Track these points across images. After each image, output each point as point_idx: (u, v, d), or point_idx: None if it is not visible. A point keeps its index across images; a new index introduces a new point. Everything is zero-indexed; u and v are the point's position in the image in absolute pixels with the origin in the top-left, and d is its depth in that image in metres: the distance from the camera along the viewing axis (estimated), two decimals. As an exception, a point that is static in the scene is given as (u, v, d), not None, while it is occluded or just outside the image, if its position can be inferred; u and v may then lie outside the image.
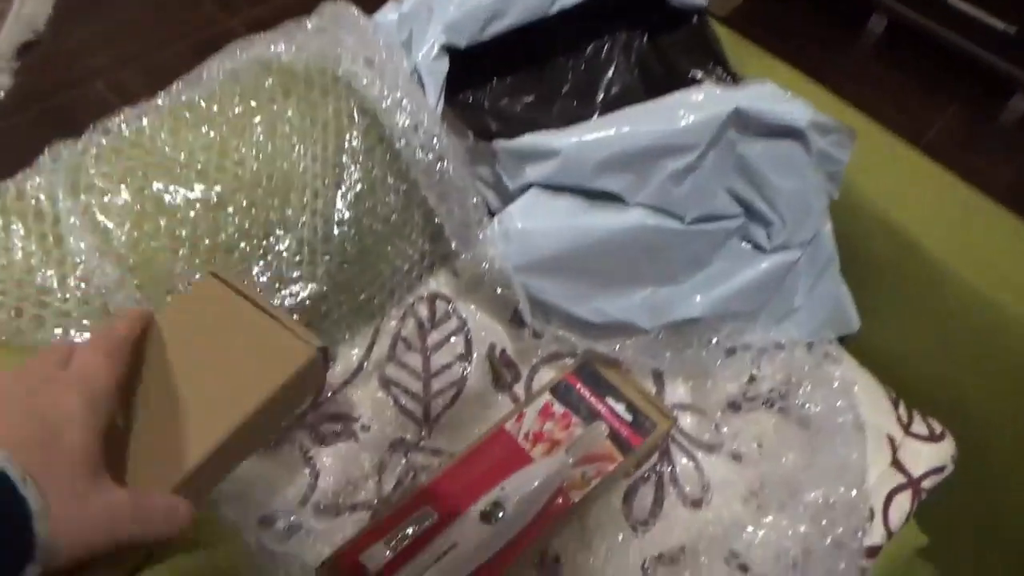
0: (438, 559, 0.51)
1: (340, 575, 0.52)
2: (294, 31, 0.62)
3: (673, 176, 0.57)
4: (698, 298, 0.62)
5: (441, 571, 0.50)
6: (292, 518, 0.57)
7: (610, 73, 0.76)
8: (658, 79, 0.74)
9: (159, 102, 0.60)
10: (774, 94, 0.60)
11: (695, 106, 0.55)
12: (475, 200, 0.58)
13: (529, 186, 0.61)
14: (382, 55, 0.59)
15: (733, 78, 0.69)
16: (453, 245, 0.60)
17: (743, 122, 0.58)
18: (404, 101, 0.58)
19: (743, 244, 0.62)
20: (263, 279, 0.58)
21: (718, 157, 0.57)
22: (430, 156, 0.56)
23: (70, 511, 0.31)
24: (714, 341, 0.62)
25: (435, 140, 0.55)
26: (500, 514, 0.53)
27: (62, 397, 0.33)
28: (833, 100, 0.74)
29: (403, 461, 0.61)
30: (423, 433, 0.62)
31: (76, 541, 0.31)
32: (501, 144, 0.61)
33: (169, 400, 0.40)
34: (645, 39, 0.74)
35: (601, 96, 0.76)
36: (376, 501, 0.59)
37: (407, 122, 0.58)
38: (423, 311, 0.67)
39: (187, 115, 0.59)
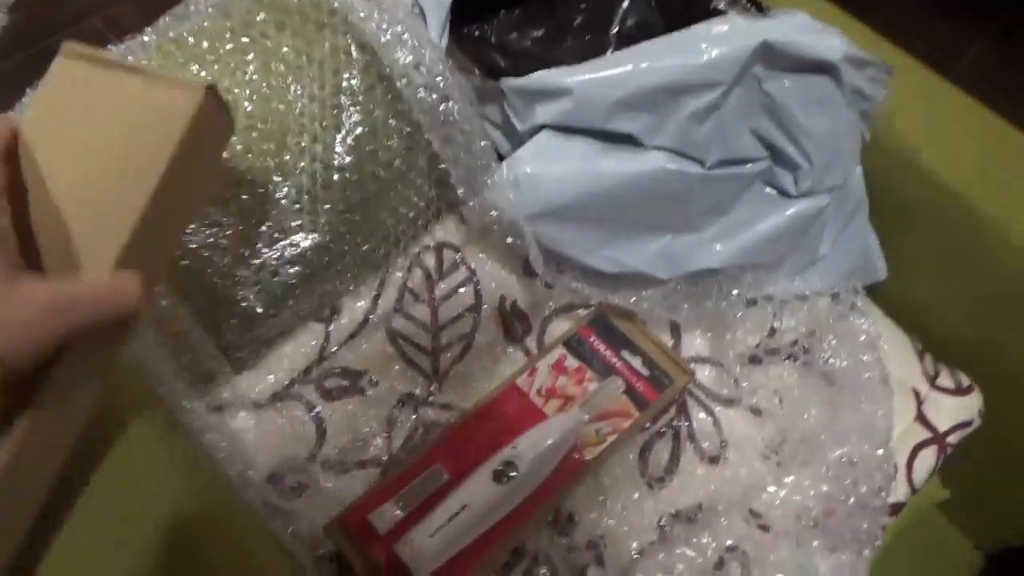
0: (450, 519, 0.49)
1: (348, 534, 0.51)
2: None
3: (694, 116, 0.53)
4: (718, 247, 0.59)
5: (453, 532, 0.49)
6: (300, 475, 0.55)
7: (625, 4, 0.70)
8: (677, 10, 0.69)
9: (145, 39, 0.56)
10: (805, 25, 0.55)
11: (719, 39, 0.51)
12: (483, 144, 0.55)
13: (540, 128, 0.57)
14: (382, -13, 0.55)
15: (758, 8, 0.64)
16: (460, 192, 0.56)
17: (771, 56, 0.53)
18: (405, 36, 0.54)
19: (767, 189, 0.58)
20: (262, 229, 0.55)
21: (743, 95, 0.53)
22: (433, 96, 0.52)
23: None
24: (735, 293, 0.59)
25: (439, 79, 0.52)
26: (513, 473, 0.51)
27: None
28: (862, 30, 0.69)
29: (412, 416, 0.59)
30: (432, 387, 0.60)
31: (11, 344, 0.30)
32: (510, 82, 0.57)
33: (73, 189, 0.38)
34: (664, -34, 0.69)
35: (616, 29, 0.70)
36: (386, 458, 0.57)
37: (408, 59, 0.54)
38: (430, 261, 0.64)
39: (175, 52, 0.55)
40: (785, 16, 0.56)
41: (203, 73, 0.55)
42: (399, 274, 0.63)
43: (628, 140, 0.55)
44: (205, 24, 0.56)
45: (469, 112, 0.54)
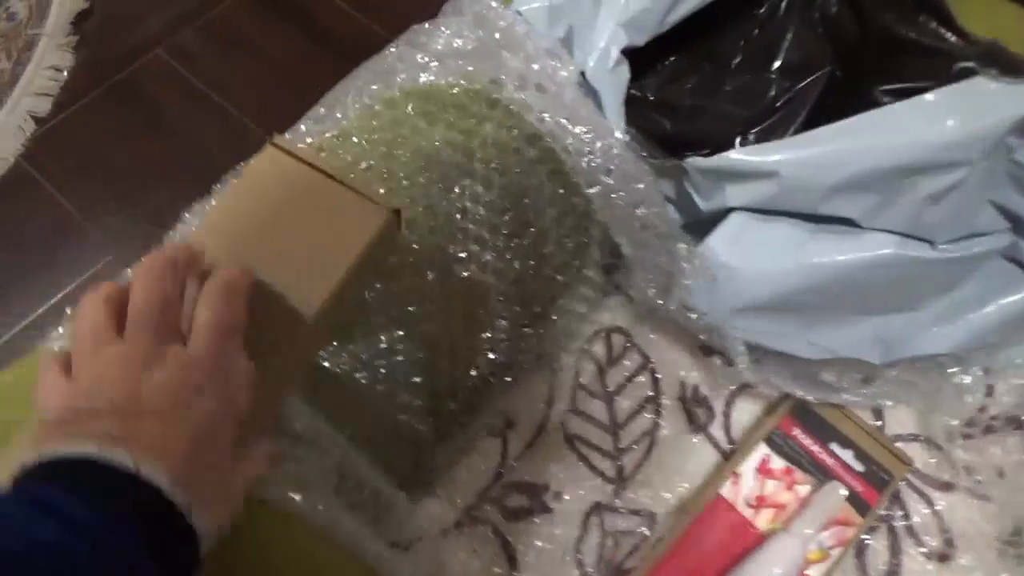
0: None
1: None
2: (435, 41, 0.51)
3: (929, 198, 0.46)
4: (942, 328, 0.51)
5: None
6: (495, 612, 0.51)
7: (789, 36, 0.62)
8: (851, 41, 0.61)
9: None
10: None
11: (968, 111, 0.43)
12: (680, 246, 0.48)
13: (729, 210, 0.51)
14: (545, 68, 0.48)
15: (960, 36, 0.56)
16: (650, 293, 0.50)
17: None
18: (577, 127, 0.47)
19: (1006, 264, 0.51)
20: (437, 352, 0.50)
21: (988, 168, 0.45)
22: (622, 196, 0.46)
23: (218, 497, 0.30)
24: (965, 381, 0.52)
25: (634, 183, 0.45)
26: (744, 614, 0.46)
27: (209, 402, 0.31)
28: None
29: (601, 528, 0.55)
30: (619, 493, 0.55)
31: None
32: (696, 163, 0.50)
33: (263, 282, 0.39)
34: (833, -11, 0.61)
35: (778, 64, 0.63)
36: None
37: (583, 149, 0.47)
38: (599, 350, 0.59)
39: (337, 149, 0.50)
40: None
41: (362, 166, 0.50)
42: (568, 371, 0.58)
43: (844, 221, 0.48)
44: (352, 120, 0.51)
45: (665, 214, 0.47)
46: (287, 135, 0.53)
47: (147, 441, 0.28)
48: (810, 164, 0.46)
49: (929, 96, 0.44)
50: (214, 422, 0.31)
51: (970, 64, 0.49)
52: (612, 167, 0.45)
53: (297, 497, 0.42)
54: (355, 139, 0.51)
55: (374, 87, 0.51)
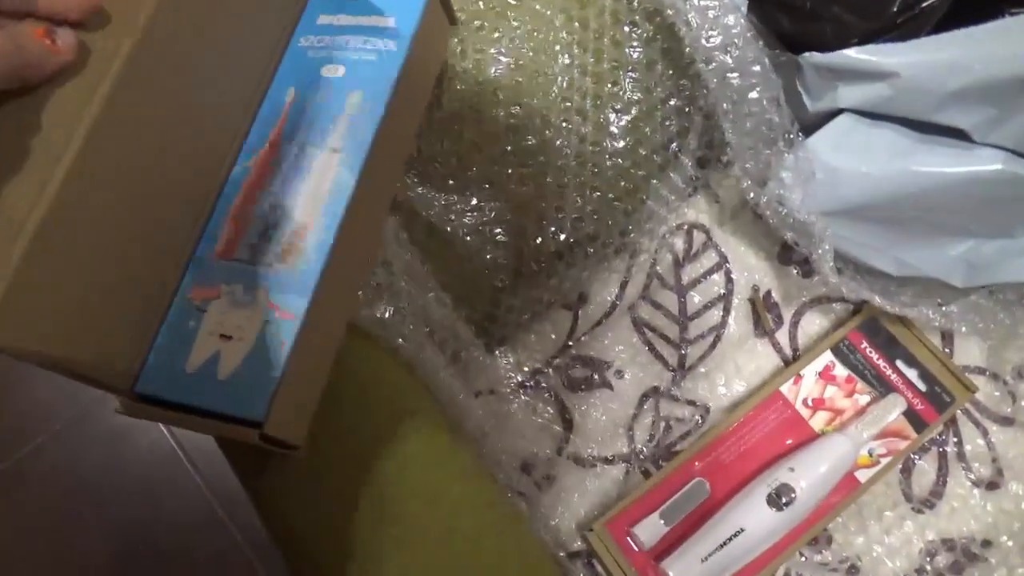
0: (723, 544, 0.47)
1: (613, 542, 0.49)
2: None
3: (1052, 114, 0.44)
4: (1036, 258, 0.51)
5: (725, 558, 0.47)
6: (549, 468, 0.54)
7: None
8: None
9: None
10: None
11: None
12: (789, 137, 0.48)
13: (838, 111, 0.50)
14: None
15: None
16: (744, 184, 0.51)
17: None
18: (704, 2, 0.47)
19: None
20: (525, 214, 0.51)
21: (1119, 89, 0.44)
22: (737, 81, 0.46)
23: None
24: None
25: (751, 64, 0.45)
26: (791, 497, 0.48)
27: None
28: None
29: (656, 411, 0.57)
30: (678, 381, 0.57)
31: None
32: (813, 58, 0.49)
33: None
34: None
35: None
36: (630, 454, 0.55)
37: (705, 24, 0.47)
38: (678, 243, 0.60)
39: None
40: None
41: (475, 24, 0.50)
42: (646, 257, 0.59)
43: (953, 133, 0.47)
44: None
45: (777, 104, 0.47)
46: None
47: None
48: (931, 68, 0.45)
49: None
50: None
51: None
52: (731, 46, 0.45)
53: (388, 328, 0.45)
54: None
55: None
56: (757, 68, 0.45)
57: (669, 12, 0.46)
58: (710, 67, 0.45)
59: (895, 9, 0.60)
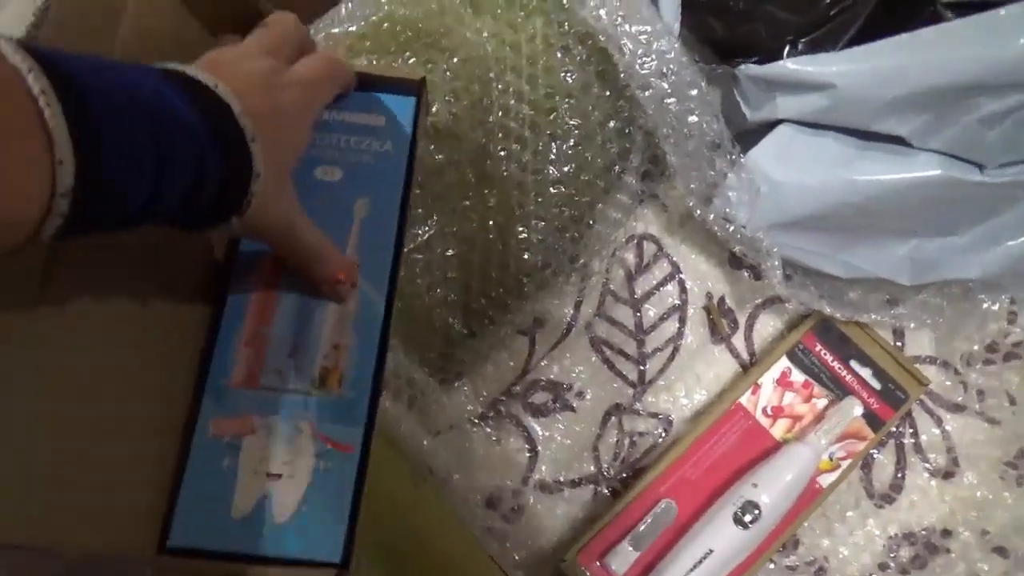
0: (693, 567, 0.47)
1: (587, 573, 0.49)
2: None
3: (986, 119, 0.45)
4: (978, 254, 0.51)
5: (698, 579, 0.47)
6: (515, 500, 0.54)
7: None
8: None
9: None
10: None
11: (1041, 29, 0.42)
12: (730, 157, 0.47)
13: (776, 122, 0.50)
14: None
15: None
16: (690, 203, 0.50)
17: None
18: (634, 27, 0.46)
19: (1053, 191, 0.50)
20: (473, 251, 0.50)
21: (1051, 92, 0.44)
22: (674, 104, 0.45)
23: (269, 189, 0.30)
24: (993, 308, 0.53)
25: (687, 89, 0.44)
26: (755, 515, 0.48)
27: (289, 93, 0.33)
28: None
29: (620, 428, 0.56)
30: (639, 396, 0.57)
31: (261, 222, 0.31)
32: (749, 70, 0.48)
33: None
34: None
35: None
36: (596, 474, 0.55)
37: (639, 50, 0.46)
38: (629, 257, 0.59)
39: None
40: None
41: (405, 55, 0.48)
42: (598, 275, 0.58)
43: (892, 139, 0.47)
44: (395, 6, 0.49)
45: (716, 125, 0.46)
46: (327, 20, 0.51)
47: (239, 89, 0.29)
48: (867, 77, 0.45)
49: (1002, 11, 0.42)
50: (295, 120, 0.33)
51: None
52: (667, 71, 0.44)
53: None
54: (398, 27, 0.49)
55: (420, -29, 0.49)
56: (694, 92, 0.44)
57: (601, 38, 0.45)
58: (646, 93, 0.44)
59: (826, 1, 0.60)
